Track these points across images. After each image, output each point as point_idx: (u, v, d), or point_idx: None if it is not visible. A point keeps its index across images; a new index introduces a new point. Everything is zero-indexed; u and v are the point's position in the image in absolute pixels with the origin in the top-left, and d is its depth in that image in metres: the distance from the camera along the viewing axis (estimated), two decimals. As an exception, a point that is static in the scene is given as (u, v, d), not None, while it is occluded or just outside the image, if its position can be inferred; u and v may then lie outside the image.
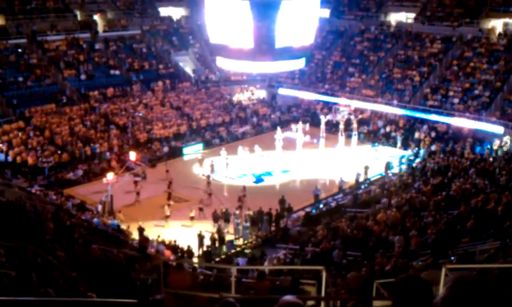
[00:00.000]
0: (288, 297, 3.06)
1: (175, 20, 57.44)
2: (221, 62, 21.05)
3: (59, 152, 35.56)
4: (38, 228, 14.03)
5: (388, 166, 35.71)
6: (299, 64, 21.28)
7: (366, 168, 34.65)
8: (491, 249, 13.91)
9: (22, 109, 38.79)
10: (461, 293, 2.30)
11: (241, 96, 49.41)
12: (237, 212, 27.63)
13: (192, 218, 27.78)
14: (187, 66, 53.06)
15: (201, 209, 28.60)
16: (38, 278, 5.89)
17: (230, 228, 27.27)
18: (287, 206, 28.79)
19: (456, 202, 22.66)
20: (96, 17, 51.80)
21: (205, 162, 36.64)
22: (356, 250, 19.88)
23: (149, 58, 50.44)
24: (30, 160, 33.93)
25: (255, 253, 24.36)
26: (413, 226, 20.46)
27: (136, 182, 31.81)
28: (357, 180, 33.48)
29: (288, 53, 19.46)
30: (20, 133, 36.29)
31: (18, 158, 33.97)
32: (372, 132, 43.56)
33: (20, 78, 41.22)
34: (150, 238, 24.31)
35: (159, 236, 24.60)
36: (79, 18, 50.43)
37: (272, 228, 27.87)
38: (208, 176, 32.78)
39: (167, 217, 27.99)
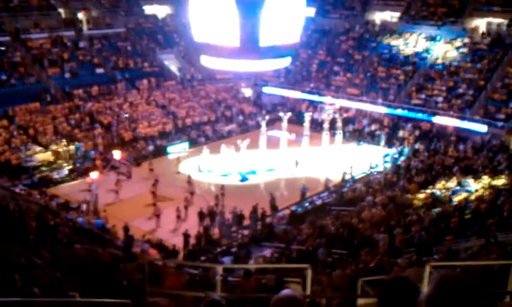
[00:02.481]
0: (287, 291, 3.07)
1: (160, 18, 57.22)
2: (206, 61, 20.99)
3: (43, 151, 35.24)
4: (22, 228, 13.91)
5: (374, 165, 35.94)
6: (285, 62, 21.28)
7: (351, 167, 34.80)
8: (474, 247, 14.05)
9: (5, 108, 38.38)
10: (447, 291, 2.31)
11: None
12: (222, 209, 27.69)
13: (178, 216, 27.71)
14: (173, 64, 52.87)
15: (186, 207, 28.55)
16: (22, 278, 5.84)
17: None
18: (273, 205, 28.84)
19: (440, 200, 22.86)
20: (80, 15, 51.40)
21: (184, 161, 36.63)
22: (341, 248, 19.97)
23: (134, 56, 50.17)
24: (13, 159, 33.62)
25: (240, 252, 24.37)
26: (397, 223, 20.61)
27: (118, 181, 31.68)
28: (343, 179, 33.63)
29: (274, 51, 19.45)
30: (3, 132, 35.93)
31: (2, 158, 33.63)
32: (357, 130, 43.77)
33: (3, 77, 40.77)
34: (135, 237, 24.19)
35: (144, 236, 24.50)
36: (63, 16, 50.00)
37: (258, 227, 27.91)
38: (189, 176, 32.71)
39: (158, 215, 27.87)
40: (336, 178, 33.64)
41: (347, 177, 34.08)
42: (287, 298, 2.99)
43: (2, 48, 43.03)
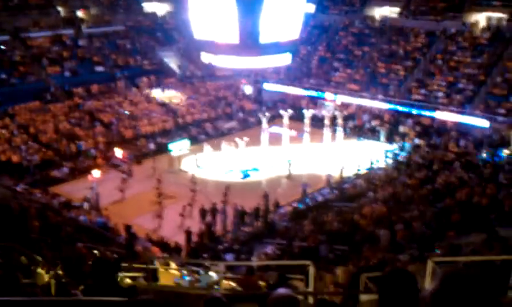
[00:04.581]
0: (282, 290, 3.08)
1: (159, 15, 57.17)
2: (206, 58, 20.97)
3: (44, 150, 35.28)
4: (24, 227, 13.91)
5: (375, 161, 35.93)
6: (286, 59, 21.27)
7: (352, 163, 34.80)
8: (476, 242, 14.03)
9: (5, 107, 38.39)
10: (451, 286, 2.31)
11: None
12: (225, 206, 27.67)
13: (182, 215, 27.64)
14: (172, 61, 52.82)
15: (190, 204, 28.57)
16: (24, 277, 5.84)
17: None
18: (274, 202, 28.79)
19: (441, 195, 22.84)
20: (79, 13, 51.35)
21: (185, 159, 36.64)
22: (343, 244, 19.97)
23: (134, 54, 50.14)
24: (14, 158, 33.64)
25: (242, 249, 24.37)
26: (398, 219, 20.58)
27: (124, 179, 31.71)
28: (341, 174, 33.63)
29: (274, 48, 19.43)
30: (4, 131, 35.95)
31: (3, 157, 33.65)
32: (358, 126, 43.71)
33: (3, 76, 40.80)
34: (137, 235, 24.21)
35: (147, 235, 24.51)
36: (62, 14, 49.96)
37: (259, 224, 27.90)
38: (192, 174, 32.68)
39: (159, 216, 27.80)
40: (336, 174, 33.61)
41: (348, 173, 34.07)
42: (282, 297, 3.01)
43: (2, 47, 43.02)
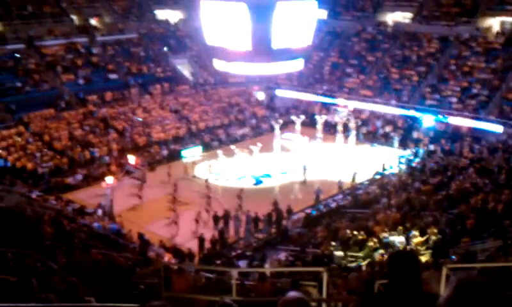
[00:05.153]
0: (293, 293, 3.08)
1: (172, 23, 57.45)
2: (218, 65, 21.05)
3: (58, 157, 35.54)
4: (38, 234, 14.02)
5: (388, 166, 35.75)
6: (298, 65, 21.29)
7: (364, 169, 34.66)
8: (491, 248, 13.91)
9: (20, 114, 38.75)
10: (465, 294, 2.30)
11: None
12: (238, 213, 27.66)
13: (196, 221, 27.61)
14: (185, 69, 53.03)
15: (207, 211, 28.61)
16: (39, 283, 5.88)
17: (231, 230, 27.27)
18: (287, 208, 28.72)
19: (456, 201, 22.65)
20: (93, 21, 51.76)
21: (198, 165, 36.84)
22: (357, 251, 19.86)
23: (147, 61, 50.41)
24: (29, 166, 33.91)
25: (255, 255, 24.35)
26: (413, 226, 20.46)
27: (140, 185, 31.94)
28: (353, 180, 33.50)
29: (286, 54, 19.47)
30: (19, 139, 36.27)
31: (18, 164, 33.93)
32: (371, 132, 43.56)
33: (18, 84, 41.17)
34: (151, 242, 24.26)
35: (160, 241, 24.54)
36: (76, 22, 50.41)
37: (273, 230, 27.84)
38: (206, 179, 32.72)
39: (176, 222, 27.75)
40: (348, 181, 33.48)
41: (361, 179, 33.92)
42: (293, 300, 3.01)
43: (17, 55, 43.47)
